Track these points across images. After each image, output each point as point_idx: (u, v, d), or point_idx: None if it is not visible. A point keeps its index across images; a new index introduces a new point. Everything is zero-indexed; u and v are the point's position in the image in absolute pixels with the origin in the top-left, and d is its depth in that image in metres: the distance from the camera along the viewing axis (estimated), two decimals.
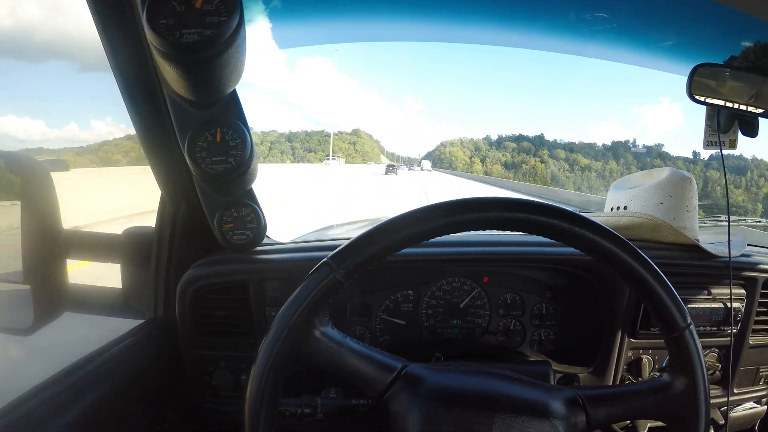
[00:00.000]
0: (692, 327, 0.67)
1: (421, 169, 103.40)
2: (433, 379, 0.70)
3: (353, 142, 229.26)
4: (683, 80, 1.14)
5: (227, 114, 1.00)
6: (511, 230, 0.68)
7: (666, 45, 1.32)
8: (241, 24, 0.78)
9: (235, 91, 0.99)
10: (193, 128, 0.98)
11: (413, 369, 0.71)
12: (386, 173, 57.92)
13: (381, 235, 0.65)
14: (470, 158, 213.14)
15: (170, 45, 0.74)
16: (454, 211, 0.65)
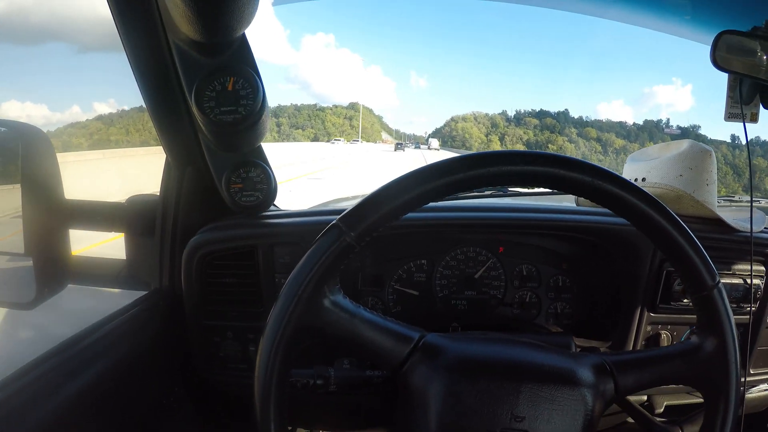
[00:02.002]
0: (721, 285, 0.68)
1: (428, 148, 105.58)
2: (454, 349, 0.71)
3: (349, 117, 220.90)
4: (693, 60, 1.26)
5: (237, 61, 1.01)
6: (533, 186, 0.68)
7: (686, 12, 1.34)
8: None
9: (245, 38, 1.01)
10: (201, 76, 1.00)
11: (432, 339, 0.72)
12: (395, 150, 74.04)
13: (395, 193, 0.65)
14: (486, 136, 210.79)
15: None
16: (474, 164, 0.65)
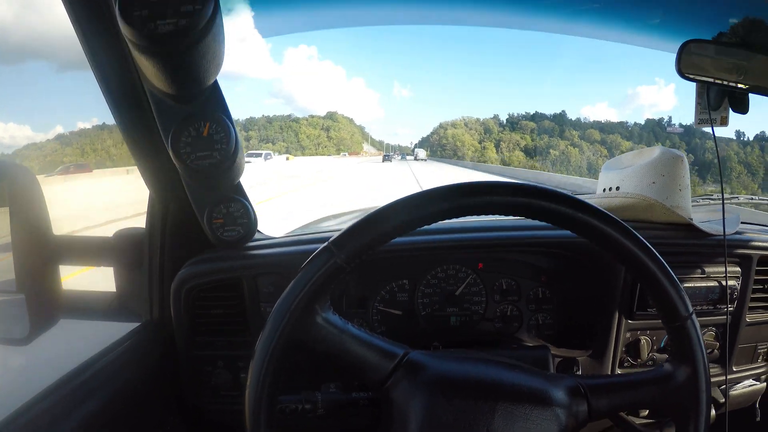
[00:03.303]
0: (694, 316, 0.75)
1: (415, 159, 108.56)
2: (434, 367, 0.78)
3: (326, 128, 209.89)
4: (672, 58, 1.24)
5: (210, 107, 1.09)
6: (515, 215, 0.75)
7: (654, 23, 1.47)
8: (216, 12, 0.85)
9: (216, 83, 1.07)
10: (176, 124, 1.06)
11: (415, 356, 0.79)
12: (383, 161, 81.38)
13: (384, 219, 0.73)
14: (480, 143, 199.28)
15: (145, 37, 0.82)
16: (460, 194, 0.73)
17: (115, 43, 1.04)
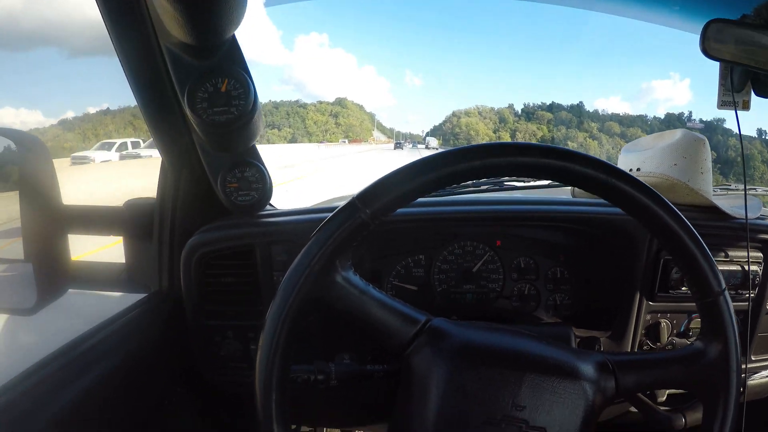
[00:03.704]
0: (726, 292, 0.74)
1: (426, 147, 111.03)
2: (459, 334, 0.78)
3: (335, 114, 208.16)
4: (692, 42, 1.37)
5: (228, 62, 1.11)
6: (546, 178, 0.75)
7: (676, 3, 1.47)
8: None
9: (235, 39, 1.10)
10: (193, 78, 1.09)
11: (438, 323, 0.80)
12: (394, 149, 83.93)
13: (412, 174, 0.73)
14: (495, 132, 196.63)
15: None
16: (490, 153, 0.72)
17: (133, 2, 1.05)
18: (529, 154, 0.72)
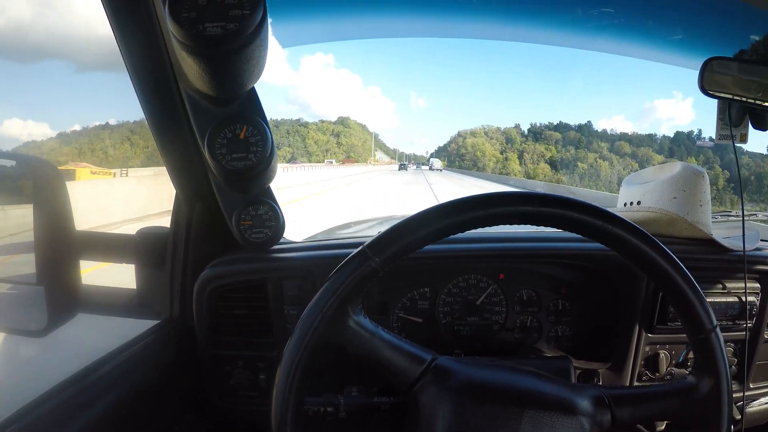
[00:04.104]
0: (718, 329, 0.79)
1: (430, 168, 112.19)
2: (463, 373, 0.84)
3: (337, 134, 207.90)
4: (694, 74, 1.31)
5: (247, 111, 1.17)
6: (546, 225, 0.81)
7: (675, 39, 1.54)
8: (264, 18, 0.90)
9: (254, 87, 1.15)
10: (213, 125, 1.14)
11: (443, 362, 0.85)
12: (399, 170, 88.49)
13: (419, 225, 0.79)
14: (502, 153, 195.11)
15: (193, 37, 0.86)
16: (493, 203, 0.78)
17: (154, 43, 1.12)
18: (530, 203, 0.78)
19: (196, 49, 0.88)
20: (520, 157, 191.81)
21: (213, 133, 1.16)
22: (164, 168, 1.31)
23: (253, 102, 1.19)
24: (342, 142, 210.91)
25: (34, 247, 1.13)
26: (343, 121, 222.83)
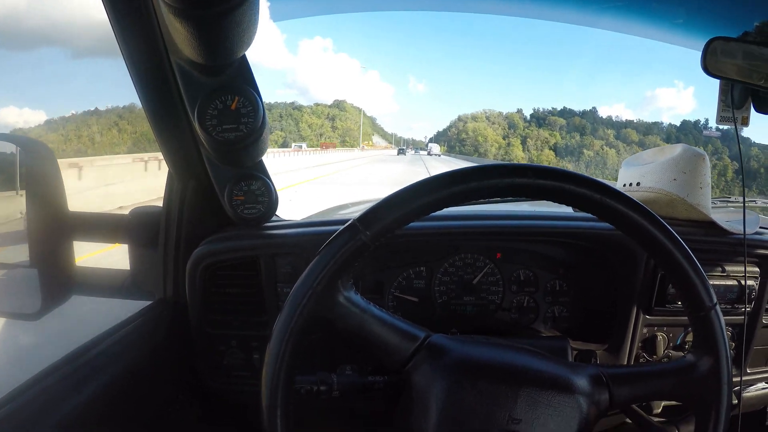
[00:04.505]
0: (718, 307, 0.81)
1: (428, 153, 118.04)
2: (457, 350, 0.85)
3: (332, 117, 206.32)
4: (696, 62, 1.33)
5: (239, 81, 1.18)
6: (541, 198, 0.80)
7: (678, 21, 1.56)
8: None
9: (245, 57, 1.16)
10: (203, 95, 1.16)
11: (437, 339, 0.86)
12: (398, 154, 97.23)
13: (410, 197, 0.79)
14: (505, 138, 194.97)
15: None
16: (488, 174, 0.78)
17: (144, 15, 1.12)
18: (525, 175, 0.78)
19: (184, 12, 0.86)
20: (524, 143, 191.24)
21: (203, 104, 1.17)
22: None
23: (244, 72, 1.20)
24: (337, 125, 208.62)
25: (27, 229, 1.16)
26: (339, 105, 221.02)
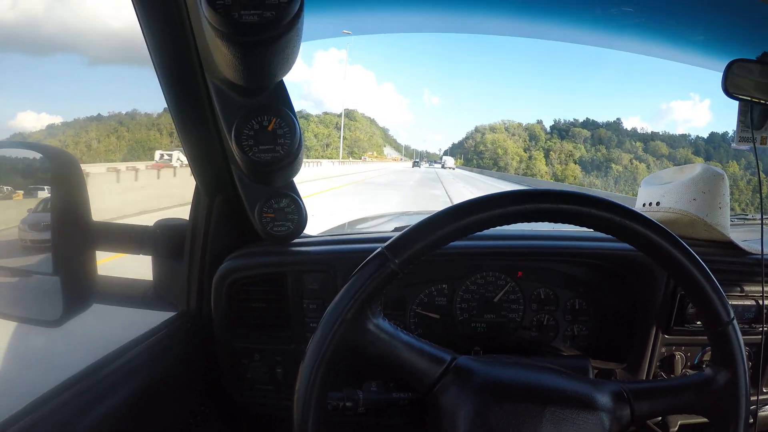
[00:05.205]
0: (735, 322, 0.85)
1: (442, 167, 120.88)
2: (483, 372, 0.90)
3: (340, 127, 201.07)
4: (712, 76, 1.48)
5: (276, 102, 1.24)
6: (564, 222, 0.85)
7: (697, 40, 1.64)
8: (301, 8, 0.93)
9: (282, 79, 1.21)
10: (241, 115, 1.21)
11: (463, 361, 0.91)
12: (413, 167, 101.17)
13: (437, 225, 0.85)
14: (526, 151, 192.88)
15: (230, 24, 0.89)
16: (511, 201, 0.84)
17: (180, 32, 1.19)
18: (548, 200, 0.84)
19: (231, 37, 0.91)
20: (546, 155, 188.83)
21: (240, 124, 1.23)
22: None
23: (281, 93, 1.26)
24: (345, 135, 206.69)
25: (51, 237, 1.23)
26: (349, 114, 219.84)
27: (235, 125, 1.22)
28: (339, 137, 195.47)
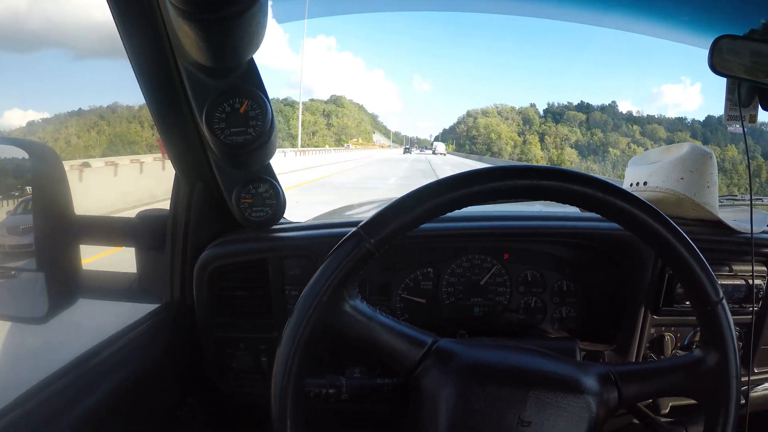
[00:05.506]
0: (724, 301, 0.86)
1: (433, 153, 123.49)
2: (465, 354, 0.90)
3: (327, 114, 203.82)
4: (702, 58, 1.41)
5: (247, 84, 1.23)
6: (545, 199, 0.85)
7: (684, 18, 1.65)
8: None
9: (252, 59, 1.21)
10: (211, 98, 1.20)
11: (444, 344, 0.91)
12: (404, 153, 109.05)
13: (413, 203, 0.84)
14: (520, 135, 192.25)
15: (189, 1, 0.85)
16: (490, 178, 0.83)
17: (150, 17, 1.19)
18: (528, 177, 0.83)
19: (192, 15, 0.88)
20: (542, 140, 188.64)
21: (211, 107, 1.22)
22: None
23: (252, 74, 1.25)
24: (332, 123, 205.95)
25: (34, 233, 1.23)
26: (336, 101, 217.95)
27: (206, 108, 1.22)
28: (326, 125, 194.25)
